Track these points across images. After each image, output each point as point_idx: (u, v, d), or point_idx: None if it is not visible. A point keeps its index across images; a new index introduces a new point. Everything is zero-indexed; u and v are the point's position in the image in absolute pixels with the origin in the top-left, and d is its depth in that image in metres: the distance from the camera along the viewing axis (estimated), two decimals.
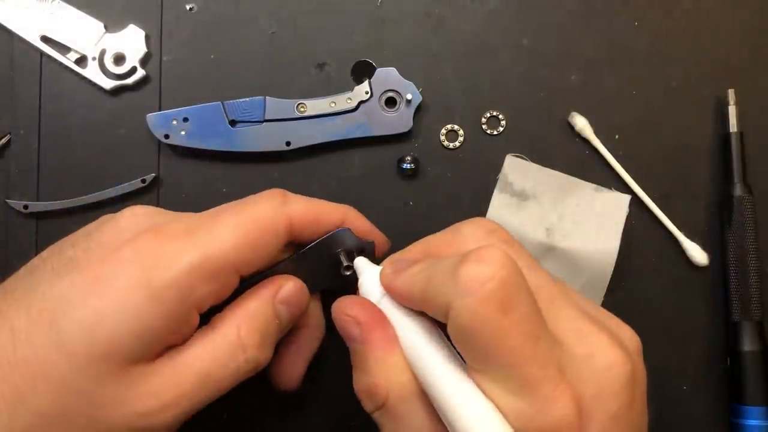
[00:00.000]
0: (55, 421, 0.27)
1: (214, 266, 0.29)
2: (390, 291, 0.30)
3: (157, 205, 0.42)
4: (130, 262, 0.28)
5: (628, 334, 0.29)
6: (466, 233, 0.31)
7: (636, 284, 0.42)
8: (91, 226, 0.32)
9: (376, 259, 0.34)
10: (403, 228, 0.42)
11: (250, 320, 0.30)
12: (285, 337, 0.34)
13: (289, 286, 0.32)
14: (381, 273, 0.31)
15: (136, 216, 0.31)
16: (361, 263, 0.33)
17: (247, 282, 0.32)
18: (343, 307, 0.31)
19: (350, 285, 0.34)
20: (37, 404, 0.26)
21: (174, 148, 0.42)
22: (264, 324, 0.31)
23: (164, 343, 0.28)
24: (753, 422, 0.39)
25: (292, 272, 0.33)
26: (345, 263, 0.33)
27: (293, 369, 0.35)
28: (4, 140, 0.42)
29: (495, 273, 0.24)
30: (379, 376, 0.29)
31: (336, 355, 0.39)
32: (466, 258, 0.25)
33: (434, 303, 0.26)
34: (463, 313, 0.25)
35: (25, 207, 0.41)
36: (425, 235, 0.42)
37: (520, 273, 0.25)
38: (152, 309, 0.27)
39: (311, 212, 0.33)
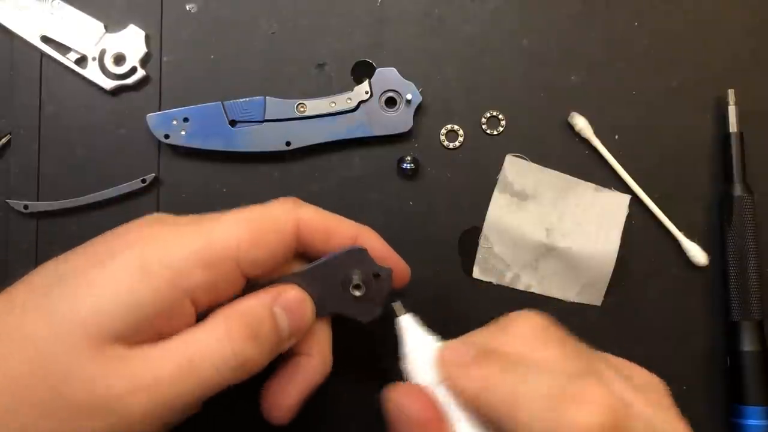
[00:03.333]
0: (19, 388, 0.26)
1: (214, 255, 0.29)
2: (453, 385, 0.28)
3: (157, 204, 0.42)
4: (132, 243, 0.28)
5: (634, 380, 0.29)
6: (516, 334, 0.28)
7: (636, 284, 0.42)
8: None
9: (394, 290, 0.33)
10: (403, 228, 0.42)
11: (241, 315, 0.29)
12: (281, 362, 0.32)
13: (291, 293, 0.31)
14: (440, 358, 0.28)
15: (148, 215, 0.31)
16: (406, 323, 0.31)
17: (252, 291, 0.31)
18: (400, 404, 0.28)
19: (361, 314, 0.33)
20: (9, 366, 0.26)
21: (174, 148, 0.42)
22: (257, 321, 0.29)
23: (151, 326, 0.28)
24: (753, 422, 0.39)
25: (300, 286, 0.32)
26: (356, 282, 0.32)
27: (282, 398, 0.32)
28: (4, 140, 0.42)
29: (604, 421, 0.24)
30: None
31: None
32: (571, 396, 0.24)
33: (519, 423, 0.25)
34: None
35: (25, 207, 0.41)
36: (425, 236, 0.42)
37: (626, 412, 0.25)
38: (142, 285, 0.27)
39: (322, 221, 0.32)
